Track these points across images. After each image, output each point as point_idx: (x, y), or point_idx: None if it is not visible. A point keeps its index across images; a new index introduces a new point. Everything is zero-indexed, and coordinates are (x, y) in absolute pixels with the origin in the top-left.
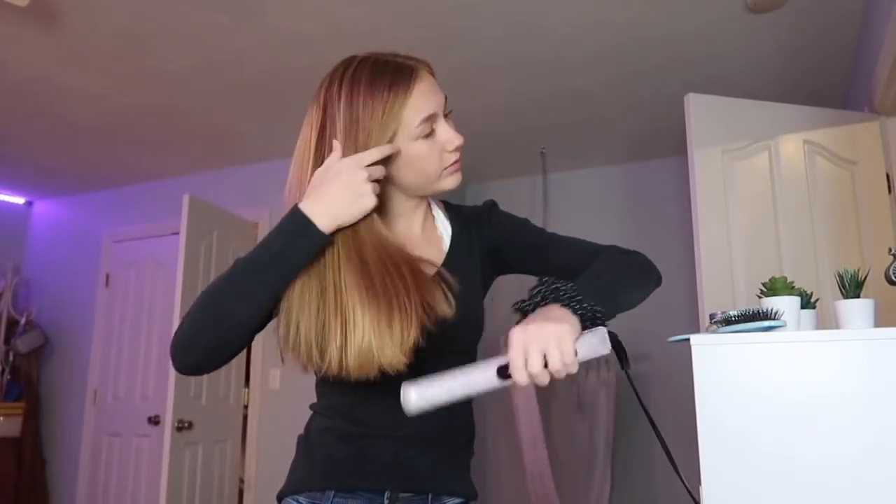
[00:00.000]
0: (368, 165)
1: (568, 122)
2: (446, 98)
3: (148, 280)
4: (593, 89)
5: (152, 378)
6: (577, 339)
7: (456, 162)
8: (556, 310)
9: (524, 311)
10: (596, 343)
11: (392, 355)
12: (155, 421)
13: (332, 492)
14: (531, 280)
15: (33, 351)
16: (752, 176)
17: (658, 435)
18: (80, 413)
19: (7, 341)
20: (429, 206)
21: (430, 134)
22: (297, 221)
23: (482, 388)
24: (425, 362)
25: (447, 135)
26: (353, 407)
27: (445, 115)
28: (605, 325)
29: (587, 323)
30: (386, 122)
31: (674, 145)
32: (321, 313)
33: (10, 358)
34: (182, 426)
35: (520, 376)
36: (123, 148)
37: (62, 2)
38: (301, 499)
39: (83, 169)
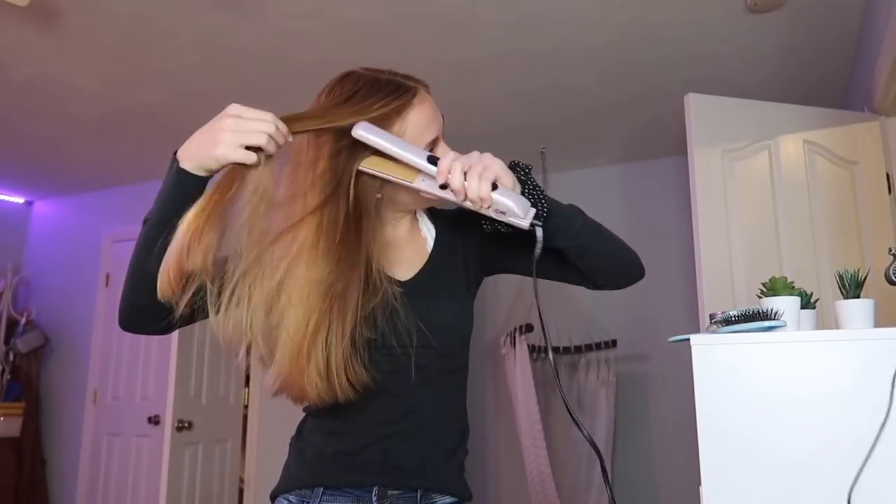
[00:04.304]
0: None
1: (568, 121)
2: (443, 118)
3: None
4: (593, 89)
5: (152, 378)
6: (507, 187)
7: None
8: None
9: None
10: (519, 206)
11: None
12: (155, 421)
13: (321, 489)
14: (529, 285)
15: (33, 351)
16: (752, 176)
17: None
18: (80, 413)
19: (7, 341)
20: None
21: None
22: (171, 165)
23: (411, 160)
24: (411, 360)
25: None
26: (343, 405)
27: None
28: (540, 214)
29: (525, 195)
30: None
31: (673, 145)
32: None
33: (10, 358)
34: (182, 426)
35: (443, 164)
36: (123, 148)
37: (62, 2)
38: (291, 497)
39: (83, 169)
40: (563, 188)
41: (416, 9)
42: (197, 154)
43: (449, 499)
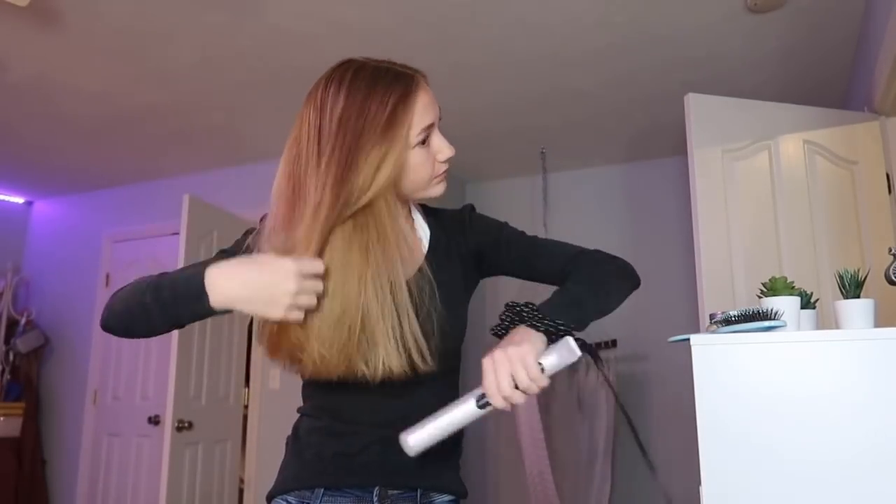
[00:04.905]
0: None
1: (568, 121)
2: (440, 108)
3: None
4: (593, 89)
5: (152, 378)
6: (542, 354)
7: (444, 171)
8: (520, 332)
9: (498, 335)
10: (564, 353)
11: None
12: (155, 421)
13: (322, 490)
14: (529, 284)
15: (33, 351)
16: (752, 176)
17: (631, 425)
18: (80, 413)
19: (7, 341)
20: (409, 209)
21: (424, 142)
22: (197, 284)
23: (468, 419)
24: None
25: (441, 145)
26: (340, 405)
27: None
28: (571, 335)
29: (553, 337)
30: (386, 129)
31: (674, 145)
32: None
33: (10, 358)
34: (182, 426)
35: (496, 401)
36: (123, 148)
37: (62, 2)
38: (290, 498)
39: (83, 169)
40: (564, 188)
41: (416, 11)
42: (242, 300)
43: (447, 497)
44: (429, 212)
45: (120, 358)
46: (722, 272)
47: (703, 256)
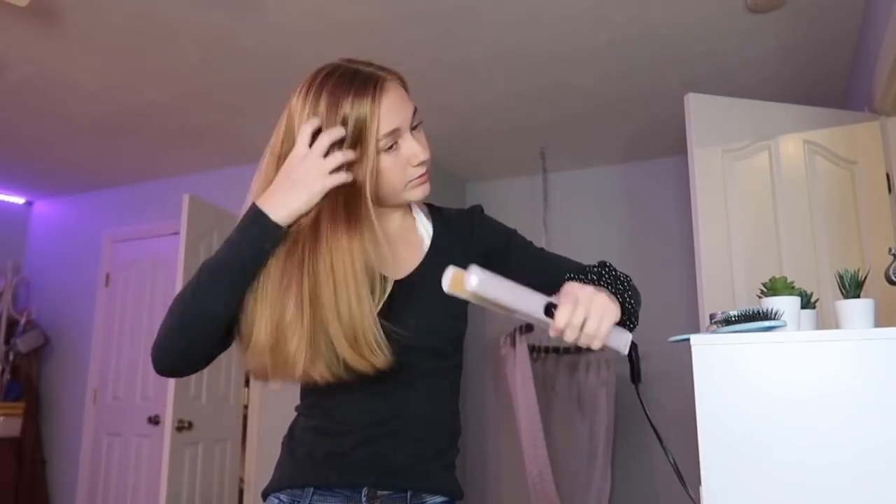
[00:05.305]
0: (327, 152)
1: (568, 121)
2: (416, 110)
3: (148, 280)
4: (593, 88)
5: (152, 378)
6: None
7: (422, 175)
8: (608, 294)
9: (575, 277)
10: (619, 340)
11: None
12: (155, 421)
13: (311, 489)
14: None
15: (33, 351)
16: (752, 176)
17: (661, 442)
18: (80, 413)
19: (7, 341)
20: (409, 207)
21: (392, 147)
22: (250, 214)
23: (527, 310)
24: (398, 358)
25: (412, 149)
26: (333, 405)
27: (415, 127)
28: (631, 332)
29: (623, 317)
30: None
31: (674, 145)
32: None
33: (10, 358)
34: (182, 426)
35: (561, 319)
36: (123, 148)
37: (62, 2)
38: (283, 496)
39: (83, 169)
40: (564, 188)
41: (415, 9)
42: (287, 202)
43: (440, 498)
44: (434, 210)
45: (120, 358)
46: (722, 272)
47: (703, 256)
